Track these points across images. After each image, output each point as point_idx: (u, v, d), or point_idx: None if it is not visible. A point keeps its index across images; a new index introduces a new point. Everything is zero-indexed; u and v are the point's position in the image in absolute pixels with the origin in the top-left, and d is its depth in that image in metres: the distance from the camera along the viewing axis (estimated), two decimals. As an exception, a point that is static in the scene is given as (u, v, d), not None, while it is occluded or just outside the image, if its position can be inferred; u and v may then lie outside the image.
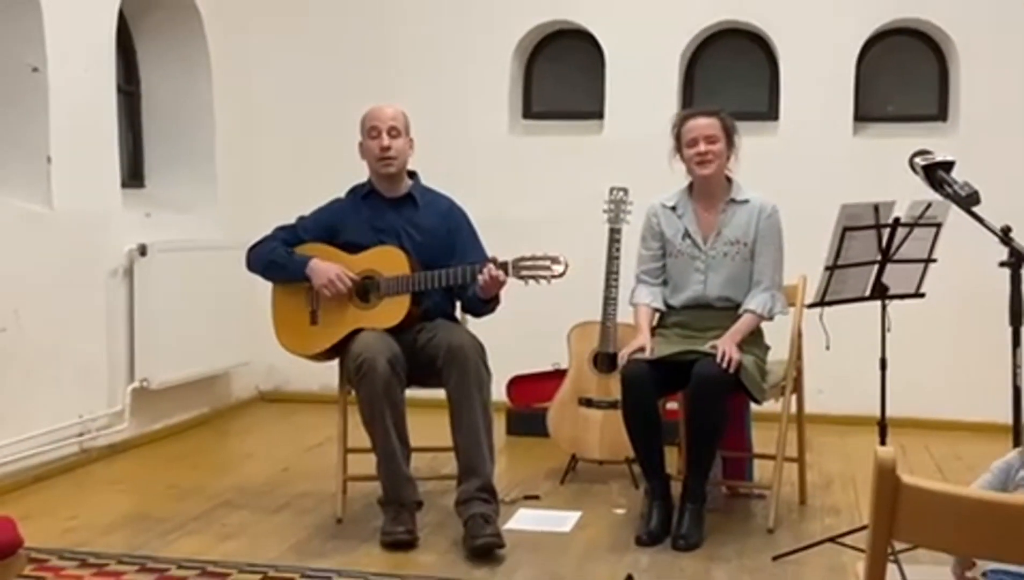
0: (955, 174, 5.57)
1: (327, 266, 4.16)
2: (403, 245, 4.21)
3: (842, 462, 5.18)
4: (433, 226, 4.30)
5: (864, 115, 6.17)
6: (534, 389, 5.65)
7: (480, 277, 4.01)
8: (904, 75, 6.25)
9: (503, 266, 4.03)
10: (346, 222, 4.31)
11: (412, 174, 4.40)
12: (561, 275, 4.03)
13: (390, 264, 4.15)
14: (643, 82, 6.18)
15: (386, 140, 4.21)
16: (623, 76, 6.24)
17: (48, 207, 4.84)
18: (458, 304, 4.40)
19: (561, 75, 6.55)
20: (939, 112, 6.14)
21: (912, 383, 5.73)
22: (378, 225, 4.27)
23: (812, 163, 6.01)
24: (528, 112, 6.55)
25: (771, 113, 6.23)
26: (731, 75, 6.38)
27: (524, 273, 4.03)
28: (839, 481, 4.87)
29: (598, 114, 6.33)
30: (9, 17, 4.78)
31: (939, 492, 1.38)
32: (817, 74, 6.07)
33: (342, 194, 4.42)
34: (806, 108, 6.09)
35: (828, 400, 5.64)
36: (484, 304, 4.20)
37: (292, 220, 4.41)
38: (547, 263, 4.02)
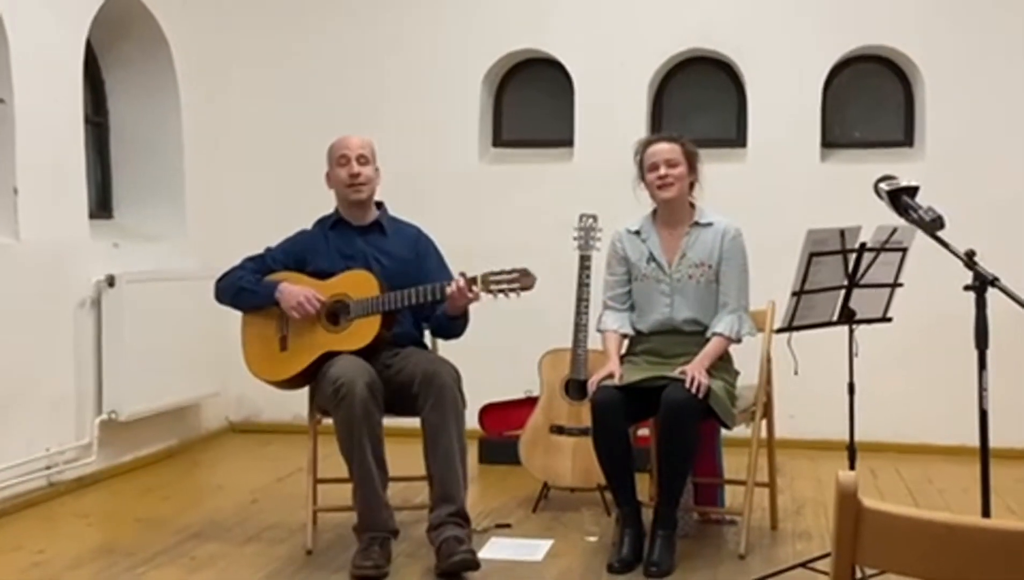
0: (921, 199, 5.65)
1: (296, 289, 4.16)
2: (372, 270, 4.21)
3: (813, 487, 5.19)
4: (401, 252, 4.31)
5: (831, 141, 6.22)
6: (506, 417, 5.64)
7: (448, 289, 4.00)
8: (870, 101, 6.30)
9: (472, 280, 4.02)
10: (315, 251, 4.31)
11: (379, 205, 4.41)
12: (530, 287, 4.02)
13: (360, 287, 4.14)
14: (612, 110, 6.22)
15: (355, 167, 4.23)
16: (592, 104, 6.27)
17: (15, 238, 4.80)
18: (427, 331, 4.39)
19: (531, 103, 6.58)
20: (905, 138, 6.20)
21: (882, 407, 5.75)
22: (346, 252, 4.28)
23: (780, 189, 6.04)
24: (498, 140, 6.57)
25: (739, 140, 6.27)
26: (699, 102, 6.43)
27: (493, 287, 4.02)
28: (810, 506, 4.88)
29: (568, 142, 6.36)
30: (-25, 47, 4.77)
31: (901, 516, 1.38)
32: (784, 101, 6.11)
33: (308, 226, 4.42)
34: (774, 134, 6.13)
35: (799, 424, 5.64)
36: (452, 321, 4.18)
37: (260, 251, 4.40)
38: (516, 276, 4.01)
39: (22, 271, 4.83)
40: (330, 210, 4.42)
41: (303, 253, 4.32)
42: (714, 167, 5.81)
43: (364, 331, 4.10)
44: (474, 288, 4.00)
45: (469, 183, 6.36)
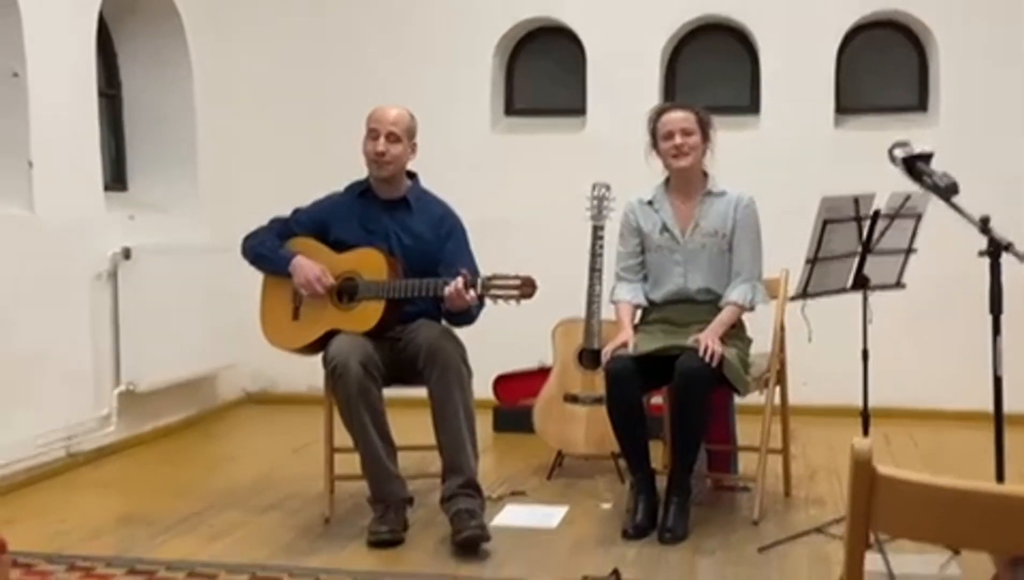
0: (935, 164, 5.65)
1: (309, 266, 4.15)
2: (391, 248, 4.20)
3: (827, 453, 5.21)
4: (424, 231, 4.28)
5: (845, 107, 6.20)
6: (520, 386, 5.68)
7: (446, 289, 3.98)
8: (884, 67, 6.28)
9: (472, 283, 4.00)
10: (339, 219, 4.29)
11: (412, 176, 4.38)
12: (530, 297, 3.97)
13: (371, 267, 4.14)
14: (624, 78, 6.21)
15: (382, 144, 4.18)
16: (604, 73, 6.27)
17: (30, 211, 4.83)
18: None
19: (543, 72, 6.57)
20: (919, 103, 6.18)
21: (895, 373, 5.77)
22: (369, 226, 4.26)
23: (794, 156, 6.04)
24: (510, 109, 6.57)
25: (752, 107, 6.26)
26: (712, 70, 6.41)
27: (492, 292, 3.99)
28: (823, 472, 4.90)
29: (580, 111, 6.35)
30: (-12, 22, 4.78)
31: (914, 482, 1.40)
32: (797, 68, 6.10)
33: (341, 188, 4.39)
34: (787, 102, 6.12)
35: (812, 392, 5.65)
36: (453, 316, 4.15)
37: (284, 213, 4.39)
38: (517, 284, 3.97)
39: (38, 244, 4.86)
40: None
41: (327, 220, 4.30)
42: (728, 135, 5.79)
43: (369, 314, 4.10)
44: (472, 291, 3.97)
45: (481, 153, 6.37)
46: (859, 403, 3.99)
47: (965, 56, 5.94)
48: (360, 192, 4.33)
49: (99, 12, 5.35)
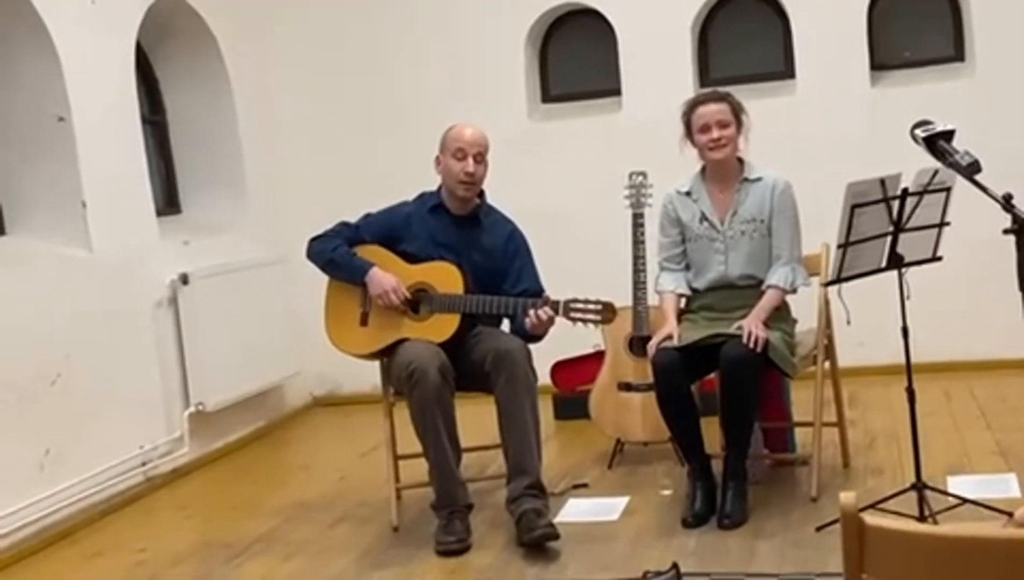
0: (973, 113, 5.61)
1: (386, 277, 4.24)
2: (461, 264, 4.28)
3: (886, 416, 5.21)
4: (493, 248, 4.38)
5: (880, 64, 6.16)
6: (578, 372, 5.74)
7: (528, 319, 4.09)
8: (917, 19, 6.21)
9: (554, 306, 4.10)
10: (409, 231, 4.37)
11: (480, 193, 4.45)
12: (610, 322, 4.15)
13: (445, 281, 4.24)
14: (657, 55, 6.22)
15: (471, 165, 4.27)
16: (636, 51, 6.28)
17: (88, 250, 5.00)
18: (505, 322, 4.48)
19: (576, 56, 6.60)
20: (955, 53, 6.11)
21: (951, 325, 5.78)
22: (440, 240, 4.35)
23: (832, 118, 6.02)
24: (546, 96, 6.62)
25: (787, 71, 6.24)
26: (744, 38, 6.39)
27: (574, 315, 4.11)
28: (882, 438, 4.93)
29: (616, 91, 6.38)
30: (30, 71, 4.93)
31: (900, 531, 1.47)
32: (830, 27, 6.06)
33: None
34: (822, 63, 6.09)
35: (869, 352, 5.66)
36: (529, 337, 4.25)
37: (342, 221, 4.47)
38: (599, 308, 4.09)
39: (98, 280, 5.03)
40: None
41: (397, 231, 4.38)
42: (765, 102, 5.83)
43: (444, 327, 4.20)
44: (551, 314, 4.08)
45: (521, 142, 6.41)
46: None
47: (998, 2, 5.86)
48: (432, 206, 4.40)
49: (136, 41, 5.49)
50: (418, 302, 4.27)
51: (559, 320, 4.14)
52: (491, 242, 4.38)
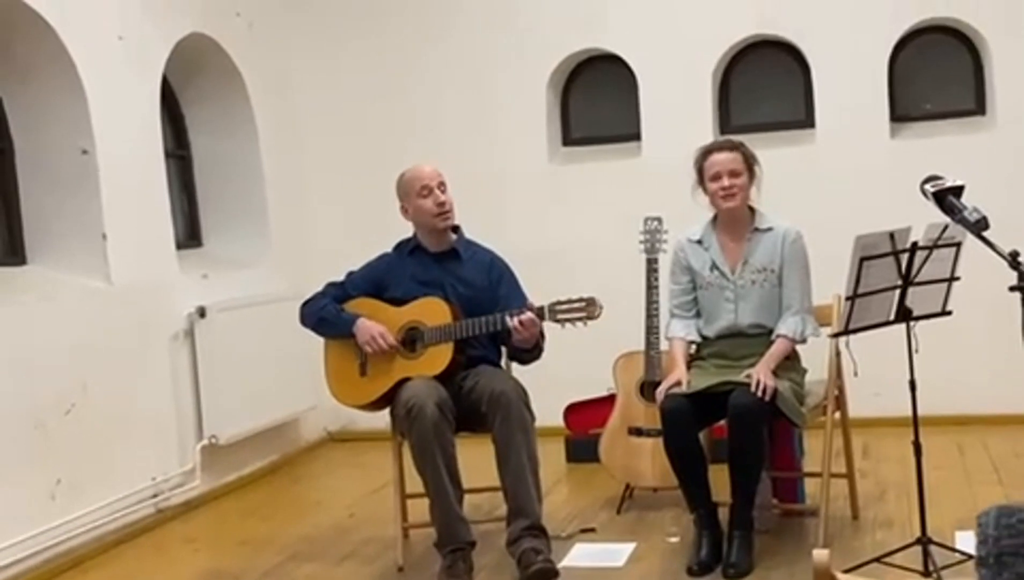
0: (994, 166, 5.62)
1: (372, 325, 4.34)
2: (447, 297, 4.36)
3: (898, 469, 5.18)
4: (476, 279, 4.45)
5: (901, 115, 6.17)
6: (590, 415, 5.74)
7: (509, 321, 4.13)
8: (939, 72, 6.23)
9: (539, 311, 4.14)
10: (393, 278, 4.48)
11: (455, 229, 4.54)
12: (596, 317, 4.13)
13: (433, 314, 4.31)
14: (677, 101, 6.27)
15: (440, 196, 4.38)
16: (657, 98, 6.33)
17: (107, 282, 5.06)
18: (503, 351, 4.53)
19: (597, 100, 6.65)
20: (976, 106, 6.12)
21: (966, 378, 5.76)
22: (423, 279, 4.43)
23: (852, 168, 6.04)
24: (567, 140, 6.66)
25: (807, 121, 6.26)
26: (765, 86, 6.42)
27: (560, 317, 4.15)
28: (893, 491, 4.90)
29: (636, 136, 6.42)
30: (57, 104, 5.02)
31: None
32: (851, 79, 6.08)
33: (389, 248, 4.59)
34: (842, 113, 6.11)
35: (884, 402, 5.61)
36: (525, 353, 4.31)
37: (342, 274, 4.60)
38: (582, 305, 4.13)
39: (116, 312, 5.09)
40: (410, 228, 4.56)
41: (382, 279, 4.50)
42: (784, 151, 5.88)
43: (438, 358, 4.27)
44: (534, 318, 4.12)
45: (541, 185, 6.48)
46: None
47: (1021, 57, 5.87)
48: (410, 250, 4.50)
49: (163, 76, 5.57)
50: (413, 340, 4.32)
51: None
52: (473, 274, 4.45)
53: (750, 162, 4.27)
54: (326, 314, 4.45)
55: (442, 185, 4.40)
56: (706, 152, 4.33)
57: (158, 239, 5.46)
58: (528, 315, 4.13)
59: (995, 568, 1.39)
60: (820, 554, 1.49)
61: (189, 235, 6.17)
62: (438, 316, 4.29)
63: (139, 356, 5.22)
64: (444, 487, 4.10)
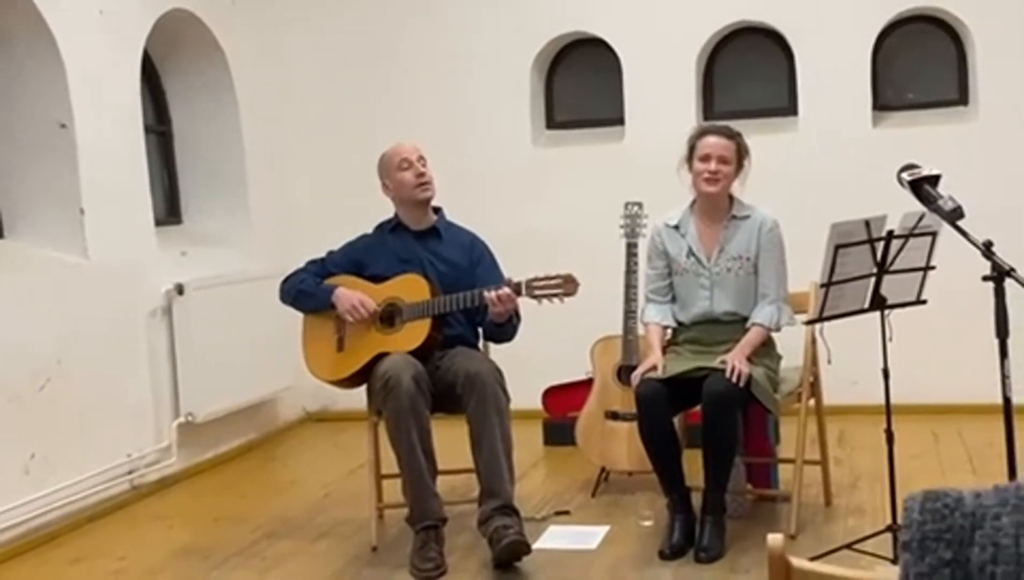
0: (975, 156, 5.63)
1: (351, 293, 4.35)
2: (427, 274, 4.36)
3: (872, 456, 5.17)
4: (455, 258, 4.46)
5: (884, 104, 6.18)
6: (568, 398, 5.75)
7: (487, 294, 4.13)
8: (922, 61, 6.24)
9: (516, 287, 4.14)
10: (373, 256, 4.49)
11: (437, 210, 4.55)
12: (573, 293, 4.13)
13: (412, 290, 4.32)
14: (661, 86, 6.26)
15: (420, 167, 4.40)
16: (641, 82, 6.32)
17: (84, 257, 5.03)
18: (480, 332, 4.53)
19: (582, 84, 6.64)
20: (959, 96, 6.13)
21: (943, 367, 5.77)
22: (403, 256, 4.44)
23: (834, 155, 6.04)
24: (551, 123, 6.65)
25: (790, 108, 6.26)
26: (748, 73, 6.43)
27: (537, 292, 4.15)
28: (866, 478, 4.92)
29: (619, 120, 6.41)
30: (35, 77, 4.98)
31: (825, 574, 1.48)
32: (834, 66, 6.09)
33: (370, 228, 4.60)
34: (825, 101, 6.12)
35: (863, 390, 5.64)
36: (498, 328, 4.31)
37: (323, 252, 4.61)
38: (559, 282, 4.13)
39: (94, 288, 5.06)
40: (390, 205, 4.56)
41: (362, 258, 4.51)
42: (766, 137, 5.86)
43: (416, 333, 4.27)
44: (510, 293, 4.12)
45: (525, 167, 6.46)
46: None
47: (1003, 47, 5.88)
48: (391, 228, 4.51)
49: (144, 50, 5.54)
50: (391, 316, 4.33)
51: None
52: (453, 253, 4.47)
53: (742, 154, 4.27)
54: (305, 287, 4.46)
55: (421, 159, 4.43)
56: (703, 132, 4.32)
57: (137, 215, 5.43)
58: (505, 290, 4.13)
59: (918, 552, 1.40)
60: (775, 539, 1.50)
61: (169, 211, 6.14)
62: (417, 293, 4.30)
63: (116, 332, 5.20)
64: (418, 461, 4.10)
